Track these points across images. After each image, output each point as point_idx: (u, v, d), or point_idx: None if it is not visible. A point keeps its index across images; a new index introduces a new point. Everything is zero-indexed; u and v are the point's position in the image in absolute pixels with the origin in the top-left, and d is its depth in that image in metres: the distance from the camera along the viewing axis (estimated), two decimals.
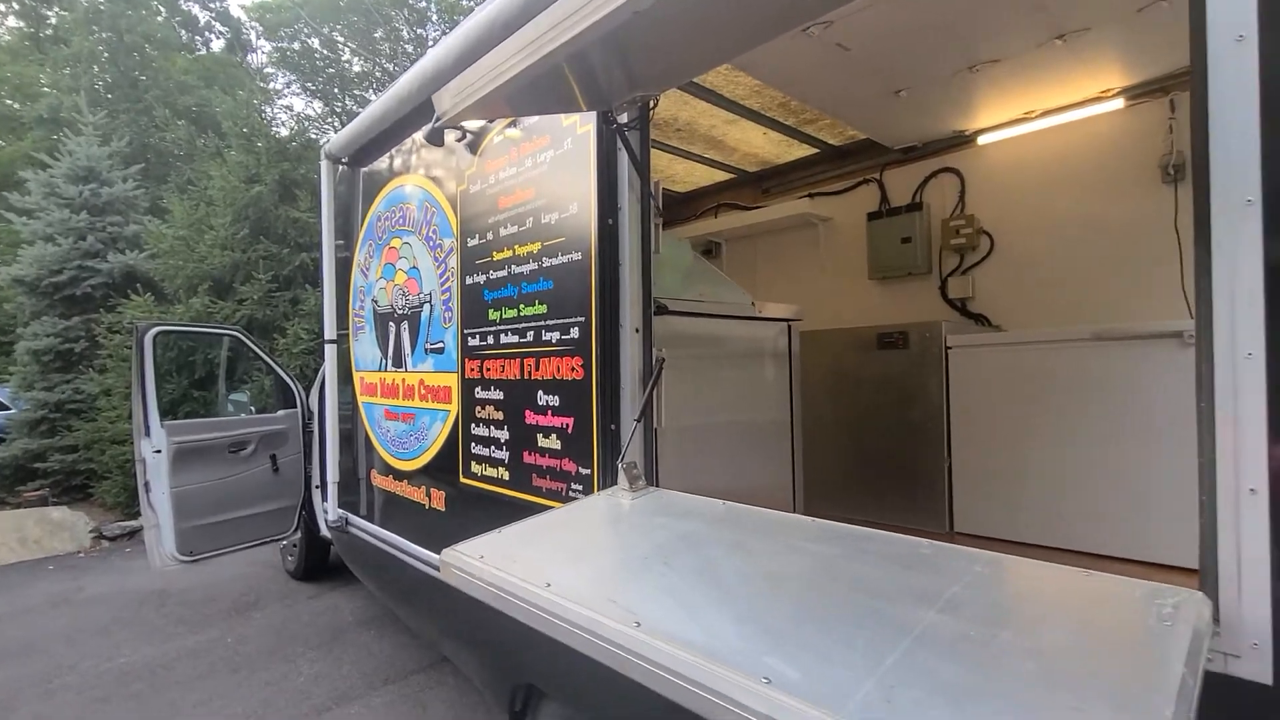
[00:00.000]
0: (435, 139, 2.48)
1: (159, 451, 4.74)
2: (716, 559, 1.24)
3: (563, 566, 1.27)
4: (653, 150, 4.14)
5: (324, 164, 3.71)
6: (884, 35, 2.64)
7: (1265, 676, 0.89)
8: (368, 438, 3.52)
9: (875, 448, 3.30)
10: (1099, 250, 3.30)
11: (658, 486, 1.93)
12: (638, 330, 1.91)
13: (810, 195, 4.52)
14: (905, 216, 4.00)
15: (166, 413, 6.95)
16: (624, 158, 1.90)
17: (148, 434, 4.76)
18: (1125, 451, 2.56)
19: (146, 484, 4.77)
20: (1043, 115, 3.45)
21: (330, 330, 3.79)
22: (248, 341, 5.39)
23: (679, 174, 4.77)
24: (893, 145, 4.02)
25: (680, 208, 5.41)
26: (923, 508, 3.16)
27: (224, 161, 8.32)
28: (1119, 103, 3.22)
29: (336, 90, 18.99)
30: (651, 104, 1.94)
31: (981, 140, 3.71)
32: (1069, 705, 0.71)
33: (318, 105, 19.91)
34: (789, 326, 2.69)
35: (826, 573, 1.14)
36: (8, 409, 10.07)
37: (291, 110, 19.85)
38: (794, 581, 1.12)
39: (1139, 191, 3.17)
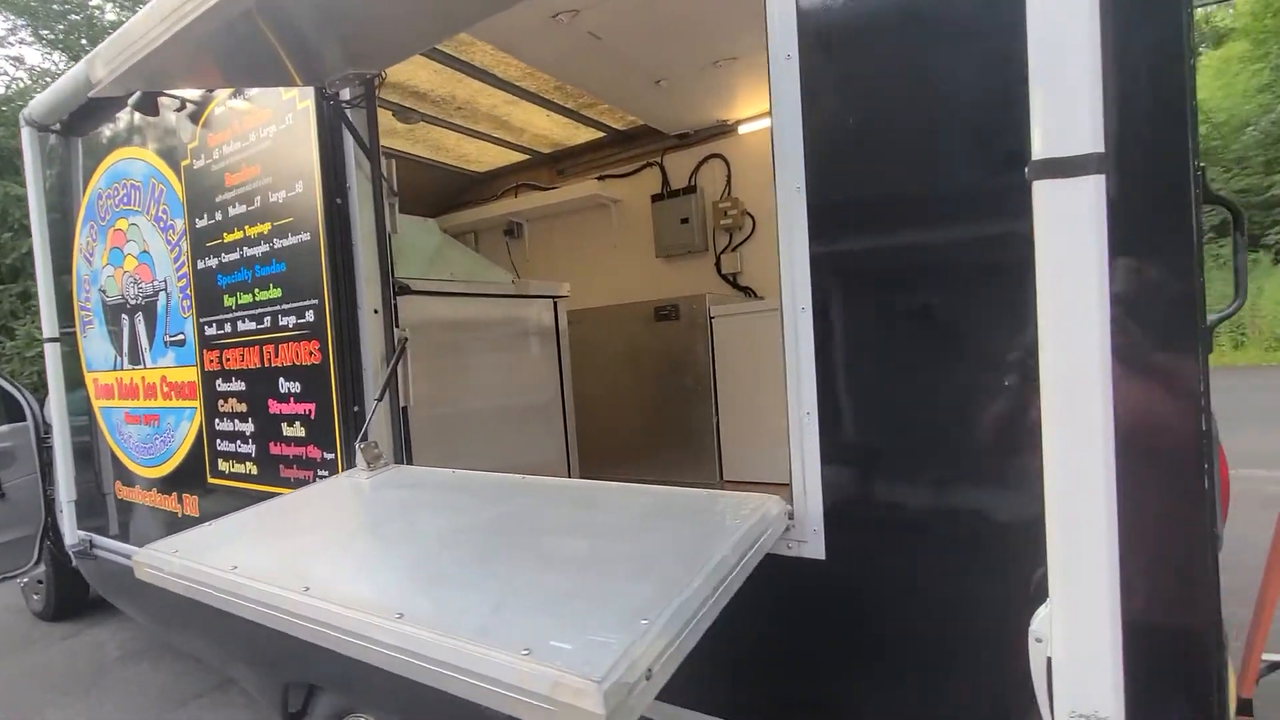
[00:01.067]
0: (145, 106, 2.22)
1: None
2: (421, 520, 1.32)
3: (261, 550, 1.27)
4: (441, 129, 4.10)
5: (26, 131, 3.15)
6: (631, 28, 2.82)
7: (820, 554, 1.17)
8: (109, 446, 3.11)
9: (653, 413, 3.59)
10: None
11: (410, 464, 1.96)
12: (376, 311, 1.91)
13: (600, 177, 4.71)
14: (683, 199, 4.33)
15: None
16: (350, 136, 1.87)
17: None
18: None
19: None
20: None
21: (50, 327, 3.26)
22: None
23: (471, 153, 4.71)
24: (668, 131, 4.31)
25: (480, 188, 5.35)
26: (695, 462, 3.51)
27: None
28: None
29: (85, 41, 15.85)
30: (377, 81, 1.92)
31: (742, 130, 4.12)
32: (632, 591, 0.89)
33: (59, 58, 16.52)
34: (555, 303, 2.82)
35: (514, 519, 1.27)
36: None
37: (22, 63, 16.29)
38: (482, 530, 1.23)
39: None
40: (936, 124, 1.09)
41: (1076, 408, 0.85)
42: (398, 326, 1.95)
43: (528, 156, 4.85)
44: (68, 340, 3.28)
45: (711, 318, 3.44)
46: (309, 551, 1.23)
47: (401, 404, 1.96)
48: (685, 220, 4.31)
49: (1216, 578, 0.87)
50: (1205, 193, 0.89)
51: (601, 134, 4.49)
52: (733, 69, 3.32)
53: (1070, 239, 0.84)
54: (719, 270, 4.32)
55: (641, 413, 3.61)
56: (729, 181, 4.24)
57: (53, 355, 3.27)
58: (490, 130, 4.25)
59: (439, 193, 5.39)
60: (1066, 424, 0.86)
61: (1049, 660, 0.90)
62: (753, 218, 4.17)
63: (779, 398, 2.67)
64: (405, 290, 2.01)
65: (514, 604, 0.89)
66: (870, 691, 1.16)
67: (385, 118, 3.43)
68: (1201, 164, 0.90)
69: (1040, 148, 0.86)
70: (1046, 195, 0.86)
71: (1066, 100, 0.84)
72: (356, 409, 1.89)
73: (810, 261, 1.16)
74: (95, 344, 3.10)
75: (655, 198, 4.47)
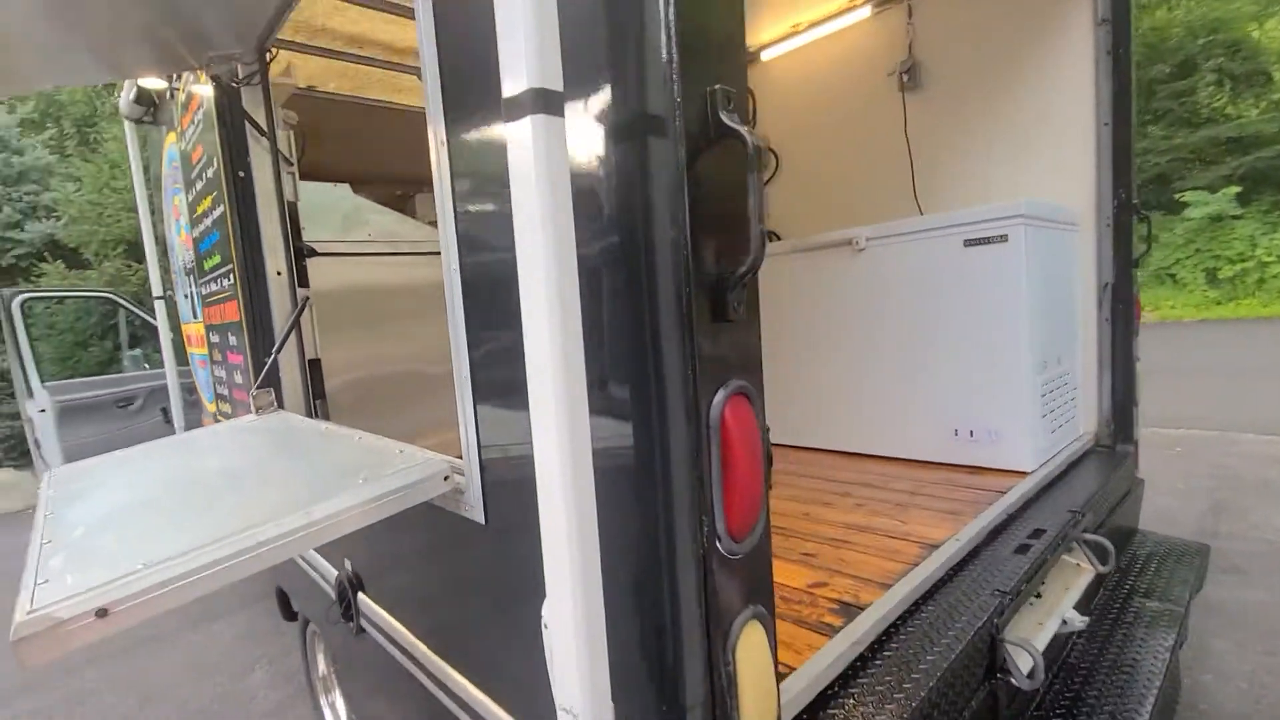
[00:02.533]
0: (141, 99, 2.59)
1: (43, 410, 5.03)
2: (217, 454, 1.51)
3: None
4: None
5: (125, 123, 3.80)
6: None
7: (481, 519, 1.15)
8: (196, 385, 3.80)
9: None
10: (858, 157, 3.41)
11: (318, 417, 2.19)
12: (280, 273, 2.12)
13: None
14: None
15: (94, 374, 7.25)
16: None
17: (30, 395, 5.03)
18: (819, 353, 2.79)
19: (36, 441, 5.09)
20: (808, 28, 3.47)
21: (157, 288, 3.99)
22: (122, 302, 5.61)
23: None
24: None
25: None
26: None
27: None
28: (866, 11, 3.25)
29: None
30: (268, 57, 2.06)
31: (765, 56, 3.74)
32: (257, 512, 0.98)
33: None
34: None
35: (260, 460, 1.40)
36: None
37: None
38: (223, 471, 1.38)
39: (883, 100, 3.25)
40: None
41: (553, 405, 0.76)
42: (303, 287, 2.15)
43: None
44: (169, 300, 4.00)
45: None
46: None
47: (309, 357, 2.17)
48: None
49: (701, 577, 0.73)
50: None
51: None
52: None
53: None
54: None
55: None
56: (754, 117, 3.90)
57: (160, 310, 4.01)
58: None
59: None
60: (543, 415, 0.77)
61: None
62: (776, 155, 3.82)
63: (768, 353, 2.51)
64: (311, 253, 2.20)
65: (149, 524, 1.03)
66: (508, 653, 1.16)
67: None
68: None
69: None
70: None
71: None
72: (265, 360, 2.13)
73: (454, 216, 1.10)
74: (181, 301, 3.75)
75: None
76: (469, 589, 1.26)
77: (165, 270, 4.02)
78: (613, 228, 0.74)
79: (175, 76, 2.47)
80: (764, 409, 0.81)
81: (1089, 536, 1.96)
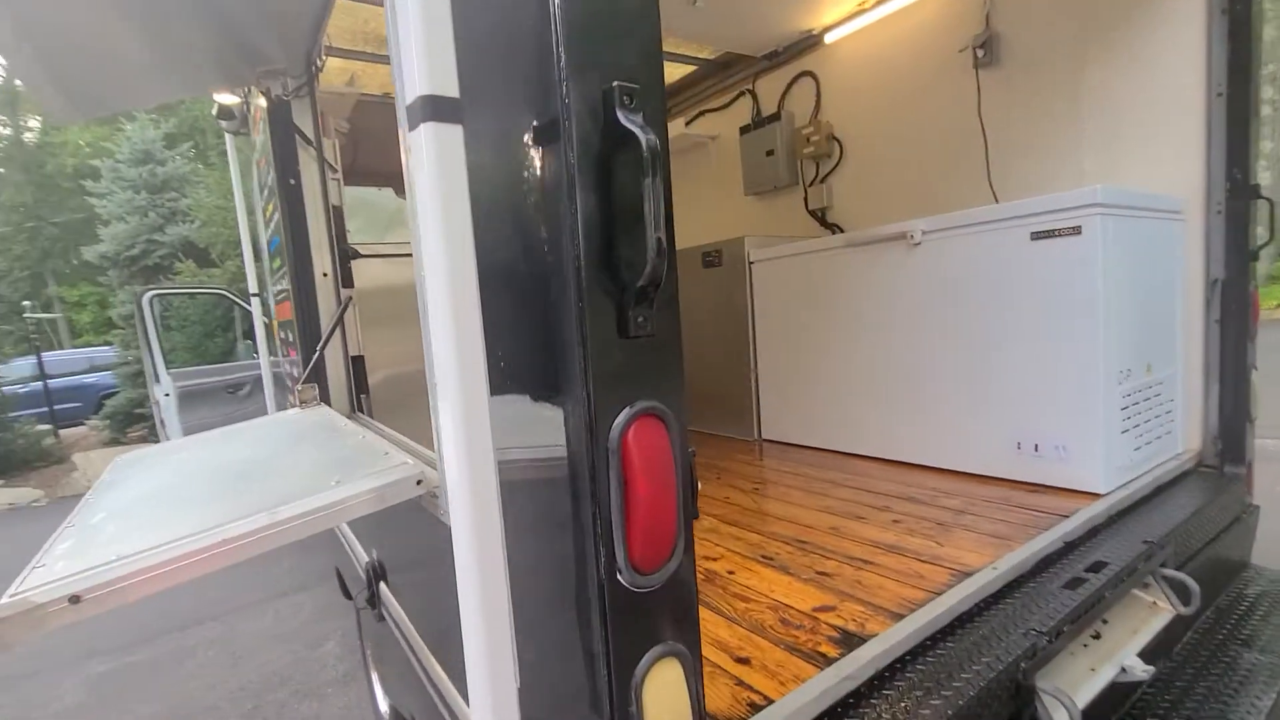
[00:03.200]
0: (222, 114, 2.82)
1: (168, 395, 5.63)
2: (246, 445, 1.61)
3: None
4: None
5: (226, 134, 4.17)
6: None
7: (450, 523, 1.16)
8: None
9: (697, 363, 3.46)
10: (927, 144, 3.16)
11: (361, 412, 2.30)
12: (325, 274, 2.24)
13: (699, 114, 4.48)
14: (767, 128, 3.92)
15: (217, 362, 8.07)
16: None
17: (158, 380, 5.65)
18: (872, 354, 2.61)
19: (162, 421, 5.71)
20: (875, 5, 3.24)
21: (253, 285, 4.36)
22: (231, 297, 6.18)
23: None
24: (754, 53, 3.90)
25: None
26: (736, 417, 3.33)
27: None
28: None
29: None
30: (314, 70, 2.17)
31: (829, 39, 3.54)
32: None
33: None
34: None
35: (276, 453, 1.48)
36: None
37: None
38: (264, 458, 1.46)
39: (955, 79, 2.98)
40: None
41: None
42: (347, 288, 2.26)
43: None
44: (263, 298, 4.36)
45: (750, 263, 3.15)
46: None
47: (352, 354, 2.29)
48: (770, 153, 3.91)
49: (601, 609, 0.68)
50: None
51: (693, 67, 4.24)
52: None
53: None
54: (807, 206, 3.86)
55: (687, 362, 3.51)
56: (818, 102, 3.70)
57: (256, 306, 4.38)
58: None
59: None
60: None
61: None
62: (840, 143, 3.61)
63: (816, 352, 2.48)
64: (355, 255, 2.30)
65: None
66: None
67: None
68: None
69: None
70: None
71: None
72: (313, 358, 2.27)
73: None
74: (270, 299, 4.08)
75: (743, 130, 4.11)
76: (446, 590, 1.27)
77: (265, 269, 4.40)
78: (512, 237, 0.70)
79: (246, 90, 2.67)
80: (684, 430, 0.74)
81: (1168, 572, 1.71)
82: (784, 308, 3.02)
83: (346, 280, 2.27)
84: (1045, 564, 1.64)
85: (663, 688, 0.72)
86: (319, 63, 2.16)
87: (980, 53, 2.83)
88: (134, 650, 3.89)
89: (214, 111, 2.82)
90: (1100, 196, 1.89)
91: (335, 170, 2.22)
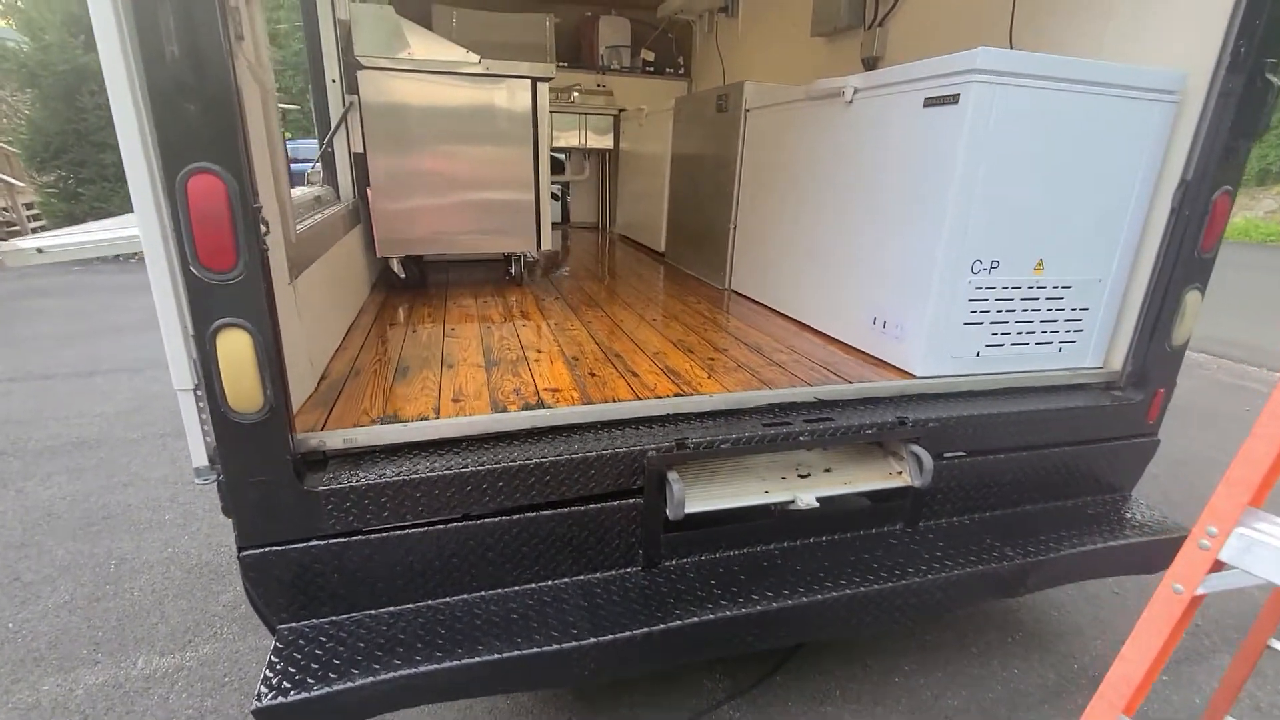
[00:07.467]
0: None
1: None
2: None
3: None
4: None
5: None
6: None
7: None
8: None
9: (694, 211, 3.59)
10: None
11: (361, 200, 2.91)
12: (334, 81, 2.76)
13: None
14: None
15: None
16: None
17: None
18: (791, 215, 2.62)
19: None
20: None
21: None
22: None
23: None
24: None
25: None
26: (711, 264, 3.49)
27: None
28: None
29: None
30: None
31: None
32: None
33: None
34: (534, 85, 3.01)
35: None
36: None
37: None
38: None
39: None
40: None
41: None
42: (351, 94, 2.77)
43: None
44: None
45: (746, 110, 3.11)
46: None
47: (354, 150, 2.85)
48: None
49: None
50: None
51: None
52: None
53: None
54: (861, 52, 3.52)
55: (680, 204, 3.66)
56: None
57: None
58: None
59: None
60: None
61: None
62: None
63: (774, 210, 2.93)
64: (359, 66, 2.74)
65: None
66: None
67: None
68: None
69: None
70: None
71: None
72: (329, 150, 2.87)
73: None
74: None
75: None
76: None
77: None
78: None
79: None
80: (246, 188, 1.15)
81: (915, 448, 1.82)
82: (762, 161, 3.02)
83: (351, 88, 2.77)
84: (783, 410, 1.84)
85: (230, 347, 1.22)
86: None
87: None
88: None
89: None
90: (980, 61, 1.72)
91: None
